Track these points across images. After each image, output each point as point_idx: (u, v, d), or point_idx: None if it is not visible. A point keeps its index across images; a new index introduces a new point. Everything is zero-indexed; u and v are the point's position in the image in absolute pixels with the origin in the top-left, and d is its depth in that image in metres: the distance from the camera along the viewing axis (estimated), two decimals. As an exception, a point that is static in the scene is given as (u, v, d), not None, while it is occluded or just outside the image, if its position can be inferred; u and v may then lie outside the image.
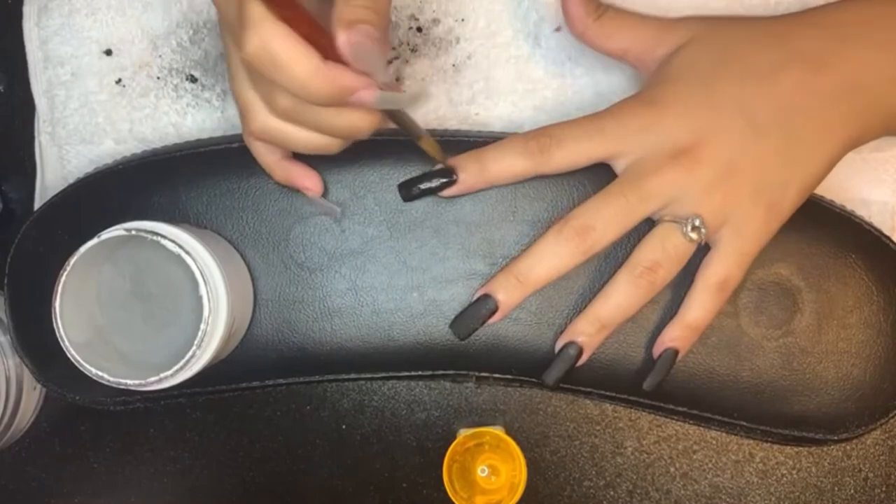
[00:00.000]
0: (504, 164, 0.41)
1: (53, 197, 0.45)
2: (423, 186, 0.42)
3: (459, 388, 0.50)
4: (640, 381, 0.43)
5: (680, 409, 0.45)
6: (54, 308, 0.39)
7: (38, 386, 0.49)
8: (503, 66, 0.48)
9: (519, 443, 0.46)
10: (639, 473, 0.50)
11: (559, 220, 0.41)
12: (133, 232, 0.39)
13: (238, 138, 0.44)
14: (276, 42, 0.32)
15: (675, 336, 0.42)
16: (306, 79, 0.33)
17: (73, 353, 0.39)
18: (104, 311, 0.41)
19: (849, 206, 0.45)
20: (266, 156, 0.41)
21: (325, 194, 0.43)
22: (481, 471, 0.47)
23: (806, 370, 0.44)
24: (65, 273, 0.39)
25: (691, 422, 0.46)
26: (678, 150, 0.40)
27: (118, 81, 0.48)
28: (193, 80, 0.49)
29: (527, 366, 0.44)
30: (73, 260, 0.39)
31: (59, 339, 0.39)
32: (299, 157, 0.42)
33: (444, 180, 0.42)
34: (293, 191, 0.44)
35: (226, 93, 0.49)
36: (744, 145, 0.40)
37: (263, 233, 0.44)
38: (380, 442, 0.50)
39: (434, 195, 0.42)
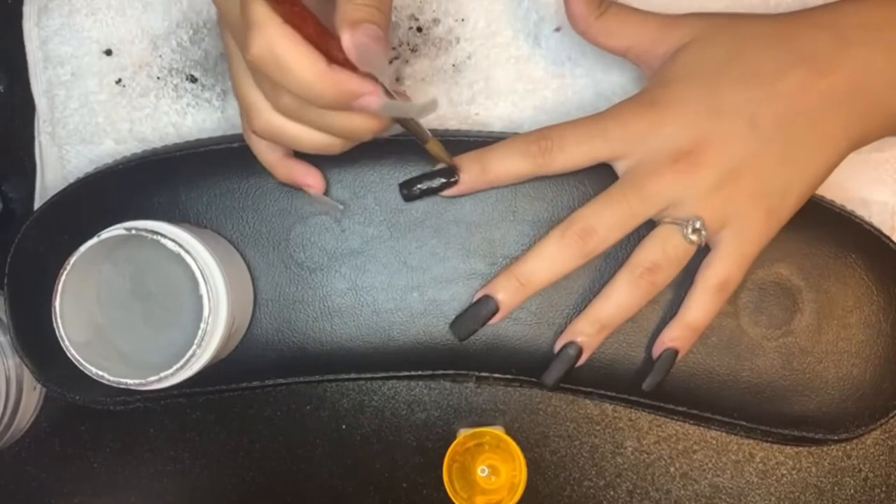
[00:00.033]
0: (505, 166, 0.41)
1: (53, 197, 0.45)
2: (423, 186, 0.42)
3: (459, 388, 0.50)
4: (640, 381, 0.43)
5: (680, 409, 0.45)
6: (54, 308, 0.39)
7: (38, 386, 0.49)
8: (503, 66, 0.48)
9: (519, 443, 0.46)
10: (639, 473, 0.50)
11: (561, 221, 0.41)
12: (133, 231, 0.39)
13: (238, 138, 0.44)
14: (281, 44, 0.32)
15: (675, 336, 0.42)
16: (311, 82, 0.33)
17: (73, 353, 0.39)
18: (104, 310, 0.41)
19: (849, 206, 0.45)
20: (267, 154, 0.41)
21: (325, 193, 0.43)
22: (481, 471, 0.47)
23: (806, 370, 0.44)
24: (65, 273, 0.39)
25: (691, 422, 0.46)
26: (679, 153, 0.40)
27: (118, 81, 0.48)
28: (193, 80, 0.49)
29: (527, 365, 0.44)
30: (72, 259, 0.39)
31: (59, 339, 0.39)
32: (300, 155, 0.42)
33: (445, 180, 0.42)
34: (294, 190, 0.44)
35: (226, 93, 0.49)
36: (745, 148, 0.40)
37: (263, 233, 0.44)
38: (380, 442, 0.50)
39: (435, 195, 0.42)
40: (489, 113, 0.48)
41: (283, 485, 0.50)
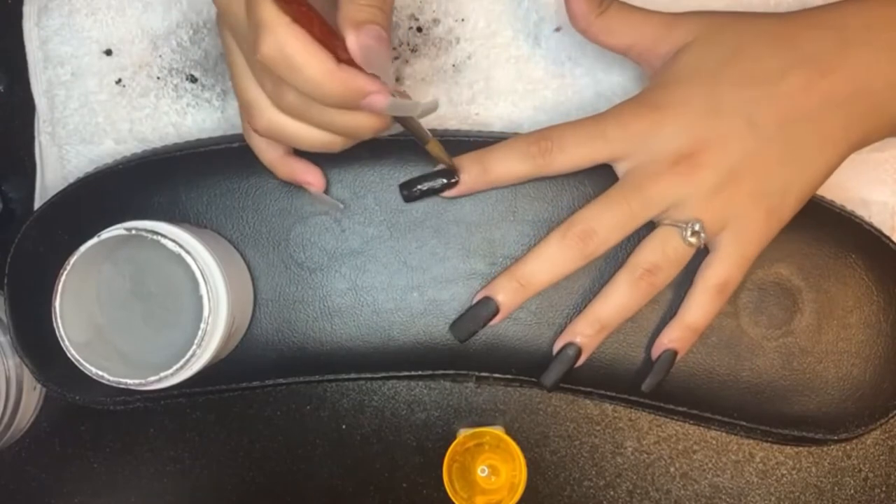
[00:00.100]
0: (505, 166, 0.41)
1: (53, 197, 0.45)
2: (424, 187, 0.42)
3: (459, 388, 0.50)
4: (639, 381, 0.43)
5: (680, 409, 0.45)
6: (54, 308, 0.39)
7: (38, 386, 0.49)
8: (503, 66, 0.48)
9: (519, 443, 0.46)
10: (639, 473, 0.50)
11: (561, 222, 0.41)
12: (133, 231, 0.39)
13: (238, 138, 0.44)
14: (291, 44, 0.32)
15: (675, 337, 0.42)
16: (321, 81, 0.33)
17: (73, 353, 0.39)
18: (104, 310, 0.41)
19: (849, 206, 0.45)
20: (268, 153, 0.41)
21: (326, 193, 0.43)
22: (481, 471, 0.47)
23: (806, 370, 0.44)
24: (65, 273, 0.39)
25: (691, 422, 0.46)
26: (680, 155, 0.40)
27: (118, 81, 0.48)
28: (193, 80, 0.49)
29: (527, 365, 0.44)
30: (73, 259, 0.39)
31: (59, 339, 0.39)
32: (300, 154, 0.42)
33: (446, 181, 0.42)
34: (294, 190, 0.44)
35: (226, 93, 0.49)
36: (745, 150, 0.40)
37: (263, 233, 0.44)
38: (380, 442, 0.50)
39: (435, 196, 0.42)
40: (489, 113, 0.48)
41: (283, 485, 0.50)
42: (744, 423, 0.45)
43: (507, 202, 0.44)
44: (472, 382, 0.48)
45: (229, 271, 0.41)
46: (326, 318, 0.44)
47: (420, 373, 0.45)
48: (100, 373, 0.39)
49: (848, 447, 0.49)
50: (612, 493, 0.50)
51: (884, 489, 0.49)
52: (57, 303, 0.39)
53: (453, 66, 0.48)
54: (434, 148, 0.40)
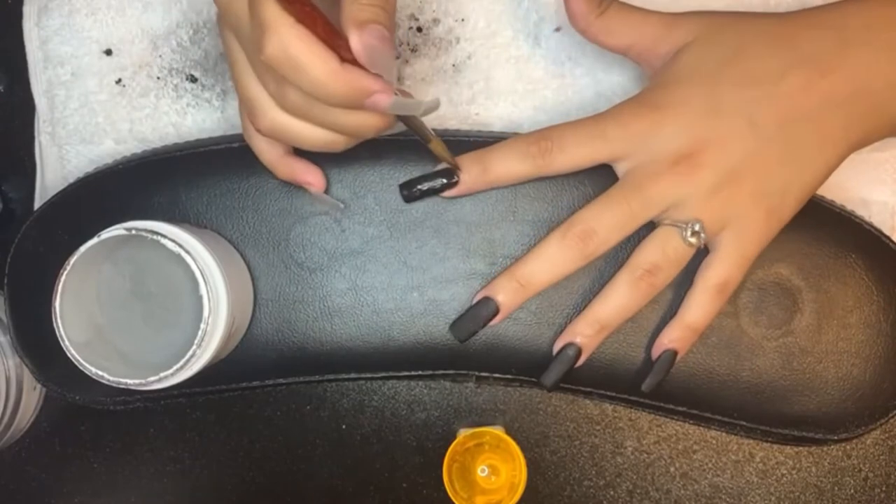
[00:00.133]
0: (506, 166, 0.41)
1: (53, 197, 0.45)
2: (424, 187, 0.42)
3: (459, 388, 0.50)
4: (639, 381, 0.43)
5: (680, 409, 0.45)
6: (54, 308, 0.39)
7: (38, 386, 0.49)
8: (503, 66, 0.48)
9: (519, 443, 0.46)
10: (639, 473, 0.50)
11: (561, 222, 0.41)
12: (133, 231, 0.39)
13: (238, 138, 0.44)
14: (295, 44, 0.32)
15: (674, 337, 0.42)
16: (325, 81, 0.33)
17: (73, 353, 0.39)
18: (104, 310, 0.41)
19: (849, 206, 0.45)
20: (268, 153, 0.41)
21: (326, 193, 0.43)
22: (481, 471, 0.47)
23: (806, 370, 0.44)
24: (65, 273, 0.39)
25: (691, 422, 0.46)
26: (680, 155, 0.40)
27: (118, 81, 0.48)
28: (193, 80, 0.49)
29: (527, 365, 0.44)
30: (73, 259, 0.39)
31: (59, 339, 0.39)
32: (300, 154, 0.42)
33: (446, 181, 0.42)
34: (294, 190, 0.44)
35: (226, 93, 0.49)
36: (745, 150, 0.40)
37: (263, 233, 0.44)
38: (380, 442, 0.50)
39: (435, 196, 0.42)
40: (489, 113, 0.48)
41: (283, 485, 0.50)
42: (744, 423, 0.45)
43: (507, 202, 0.44)
44: (472, 382, 0.48)
45: (229, 271, 0.41)
46: (326, 318, 0.44)
47: (420, 373, 0.45)
48: (100, 373, 0.39)
49: (848, 447, 0.49)
50: (612, 493, 0.50)
51: (884, 489, 0.49)
52: (57, 303, 0.39)
53: (453, 66, 0.48)
54: (437, 147, 0.40)
